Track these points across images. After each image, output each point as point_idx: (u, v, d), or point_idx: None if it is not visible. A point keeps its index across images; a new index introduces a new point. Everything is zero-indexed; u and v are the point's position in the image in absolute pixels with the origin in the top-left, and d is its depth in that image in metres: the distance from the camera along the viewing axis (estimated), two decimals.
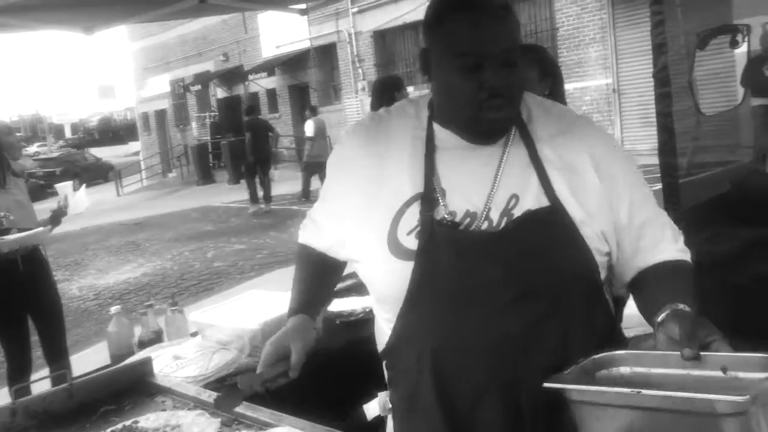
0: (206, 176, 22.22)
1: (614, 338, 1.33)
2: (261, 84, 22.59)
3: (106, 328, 2.58)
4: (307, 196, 13.99)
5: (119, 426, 1.61)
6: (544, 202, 1.25)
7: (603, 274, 1.31)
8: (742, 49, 7.85)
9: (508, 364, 1.24)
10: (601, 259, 1.28)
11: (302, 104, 22.37)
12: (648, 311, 1.24)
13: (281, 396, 1.74)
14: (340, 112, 20.48)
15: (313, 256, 1.56)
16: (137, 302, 7.46)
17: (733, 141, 9.41)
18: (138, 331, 2.60)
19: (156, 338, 2.55)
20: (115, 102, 50.52)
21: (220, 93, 25.36)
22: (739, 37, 6.83)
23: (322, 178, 8.18)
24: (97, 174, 27.84)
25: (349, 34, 19.48)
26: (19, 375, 3.95)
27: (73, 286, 9.10)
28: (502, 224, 1.24)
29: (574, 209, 1.24)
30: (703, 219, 2.77)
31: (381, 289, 1.35)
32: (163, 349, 2.39)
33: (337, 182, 1.42)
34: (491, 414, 1.25)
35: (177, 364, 2.23)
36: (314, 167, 13.53)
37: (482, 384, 1.25)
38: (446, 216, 1.26)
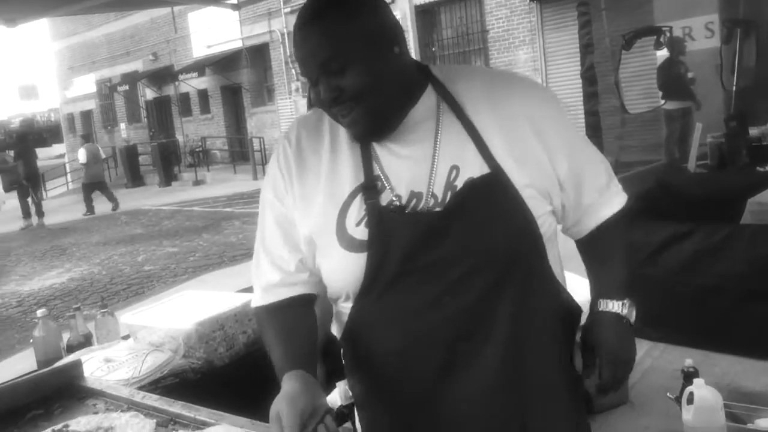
0: (136, 178, 21.67)
1: (564, 305, 1.35)
2: (192, 84, 22.18)
3: (29, 336, 2.49)
4: (92, 211, 16.17)
5: (48, 430, 1.55)
6: (485, 169, 1.23)
7: (549, 235, 1.31)
8: (664, 51, 8.17)
9: (465, 337, 1.25)
10: (545, 220, 1.28)
11: (235, 105, 22.11)
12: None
13: (217, 395, 1.72)
14: (273, 113, 20.31)
15: (275, 316, 1.37)
16: (64, 308, 7.21)
17: (656, 140, 9.79)
18: (66, 336, 2.51)
19: (85, 342, 2.48)
20: (38, 103, 48.76)
21: (149, 93, 24.78)
22: (662, 39, 7.10)
23: (103, 192, 9.90)
24: (19, 177, 26.76)
25: (282, 34, 19.33)
26: None
27: None
28: (447, 198, 1.23)
29: (514, 172, 1.23)
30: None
31: (336, 283, 1.32)
32: (93, 353, 2.32)
33: (282, 181, 1.36)
34: (455, 389, 1.26)
35: (108, 366, 2.17)
36: (92, 186, 16.36)
37: (443, 360, 1.26)
38: (393, 200, 1.25)
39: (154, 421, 1.56)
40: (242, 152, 20.90)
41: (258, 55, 20.68)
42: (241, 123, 22.15)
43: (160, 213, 14.93)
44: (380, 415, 1.37)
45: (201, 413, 1.57)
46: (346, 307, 1.33)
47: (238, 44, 20.77)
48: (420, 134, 1.27)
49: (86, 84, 27.57)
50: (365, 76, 1.20)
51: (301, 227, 1.32)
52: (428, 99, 1.29)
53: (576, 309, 1.38)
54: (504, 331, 1.25)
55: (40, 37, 34.86)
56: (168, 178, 20.71)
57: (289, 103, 19.34)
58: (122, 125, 26.08)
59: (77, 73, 27.85)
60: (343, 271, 1.28)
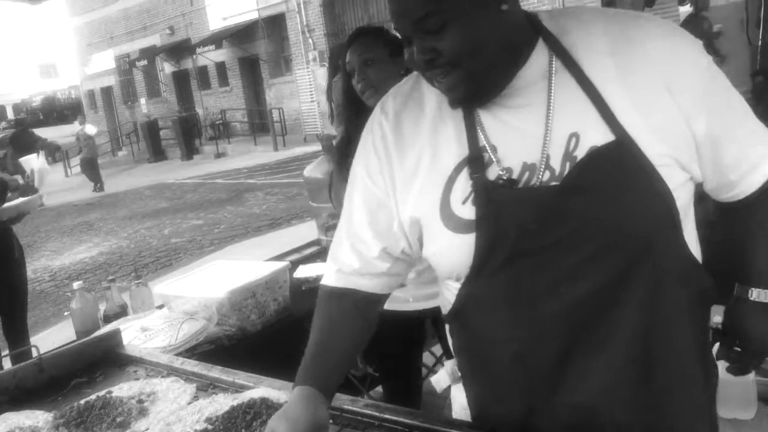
0: (158, 153, 21.83)
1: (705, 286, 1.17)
2: (210, 57, 22.17)
3: (64, 309, 2.56)
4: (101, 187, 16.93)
5: (93, 397, 1.60)
6: (609, 136, 1.06)
7: (686, 206, 1.14)
8: (687, 6, 8.00)
9: (593, 326, 1.10)
10: (682, 191, 1.11)
11: (254, 76, 22.08)
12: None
13: (252, 361, 1.76)
14: (292, 83, 20.26)
15: (335, 304, 1.28)
16: (95, 281, 7.35)
17: None
18: (102, 307, 2.58)
19: (122, 312, 2.54)
20: (58, 80, 48.94)
21: (167, 68, 24.81)
22: None
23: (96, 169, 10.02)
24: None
25: (298, 4, 19.19)
26: None
27: (27, 268, 8.92)
28: (566, 170, 1.07)
29: (644, 138, 1.06)
30: None
31: (443, 267, 1.20)
32: (129, 323, 2.38)
33: (377, 160, 1.24)
34: (573, 385, 1.13)
35: (145, 335, 2.22)
36: (93, 162, 17.50)
37: (559, 353, 1.13)
38: (501, 174, 1.10)
39: (194, 385, 1.60)
40: (262, 124, 20.93)
41: (274, 25, 20.58)
42: (259, 94, 22.15)
43: (184, 186, 15.05)
44: (492, 402, 1.26)
45: (239, 377, 1.61)
46: (454, 286, 1.21)
47: (254, 15, 20.66)
48: (531, 98, 1.11)
49: (105, 60, 27.66)
50: (466, 37, 1.06)
51: (402, 211, 1.21)
52: (539, 56, 1.12)
53: (711, 288, 1.18)
54: (632, 321, 1.09)
55: (58, 15, 34.87)
56: (189, 151, 20.83)
57: (307, 72, 19.26)
58: (142, 100, 26.19)
59: (96, 49, 27.92)
60: (450, 255, 1.16)
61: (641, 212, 1.06)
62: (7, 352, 3.51)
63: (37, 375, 1.75)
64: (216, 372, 1.66)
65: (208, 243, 8.84)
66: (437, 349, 2.71)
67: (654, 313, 1.10)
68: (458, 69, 1.08)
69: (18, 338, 3.97)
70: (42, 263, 9.22)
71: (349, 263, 1.26)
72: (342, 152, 2.24)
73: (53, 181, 16.59)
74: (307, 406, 1.15)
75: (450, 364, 1.47)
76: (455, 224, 1.13)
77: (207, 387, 1.61)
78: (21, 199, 3.97)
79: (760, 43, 6.09)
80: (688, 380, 1.16)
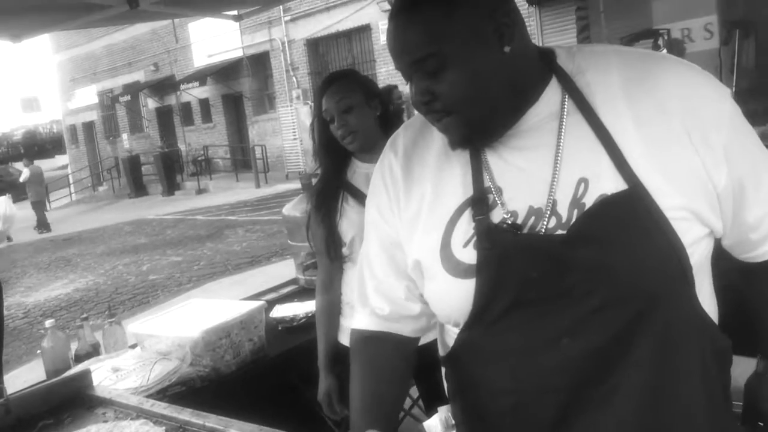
0: (139, 189, 21.75)
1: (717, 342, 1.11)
2: (193, 94, 22.26)
3: (37, 347, 2.52)
4: (46, 227, 16.88)
5: None
6: (622, 184, 1.00)
7: (701, 263, 1.07)
8: (662, 53, 8.19)
9: (595, 381, 1.04)
10: (699, 246, 1.04)
11: (237, 113, 22.17)
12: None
13: (224, 403, 1.74)
14: (275, 120, 20.36)
15: (378, 346, 1.25)
16: (70, 318, 7.26)
17: None
18: (74, 346, 2.54)
19: (93, 352, 2.50)
20: (40, 115, 48.90)
21: (151, 104, 24.86)
22: (660, 41, 7.13)
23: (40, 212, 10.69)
24: (23, 189, 26.90)
25: (282, 43, 19.39)
26: None
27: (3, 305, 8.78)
28: (573, 218, 1.02)
29: (659, 188, 1.00)
30: None
31: (441, 311, 1.17)
32: (101, 362, 2.34)
33: (387, 199, 1.21)
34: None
35: (116, 376, 2.19)
36: (38, 205, 17.58)
37: (559, 409, 1.07)
38: (506, 218, 1.06)
39: (164, 428, 1.57)
40: (244, 160, 20.96)
41: (259, 63, 20.75)
42: (242, 131, 22.21)
43: (164, 222, 14.97)
44: None
45: (210, 420, 1.58)
46: (453, 330, 1.17)
47: (239, 53, 20.84)
48: (540, 139, 1.06)
49: (88, 95, 27.66)
50: (463, 83, 1.02)
51: (408, 251, 1.17)
52: (552, 95, 1.07)
53: (727, 349, 1.12)
54: (639, 378, 1.03)
55: (41, 50, 35.02)
56: (171, 187, 20.78)
57: (291, 110, 19.39)
58: (124, 136, 26.16)
59: (79, 84, 27.95)
60: (448, 300, 1.12)
61: (650, 266, 1.00)
62: None
63: (3, 416, 1.70)
64: (186, 415, 1.63)
65: (186, 280, 8.76)
66: (413, 391, 2.69)
67: (662, 371, 1.04)
68: (453, 115, 1.06)
69: None
70: (16, 299, 9.07)
71: (380, 307, 1.23)
72: (319, 194, 2.24)
73: (32, 216, 16.47)
74: None
75: (444, 411, 1.42)
76: (455, 268, 1.09)
77: (176, 430, 1.57)
78: None
79: (734, 89, 6.25)
80: None
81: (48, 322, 2.52)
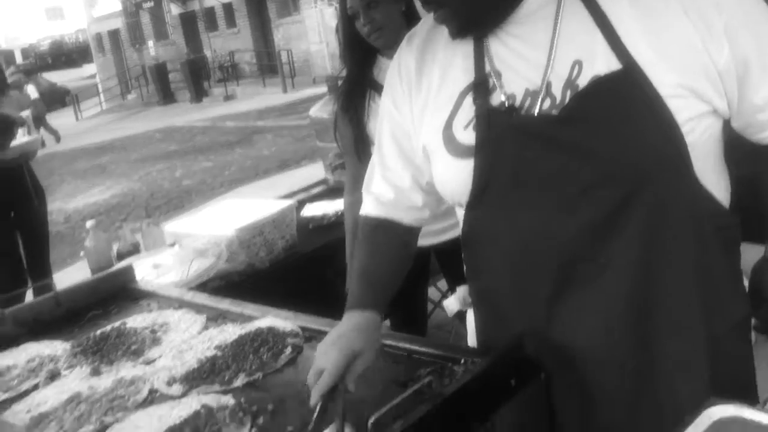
0: (167, 96, 21.75)
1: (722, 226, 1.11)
2: None
3: (79, 249, 2.63)
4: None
5: (108, 328, 1.68)
6: (616, 64, 1.01)
7: (703, 140, 1.06)
8: None
9: (583, 259, 1.08)
10: (697, 124, 1.04)
11: (261, 17, 21.77)
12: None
13: (261, 296, 1.82)
14: (300, 23, 19.95)
15: (379, 232, 1.30)
16: (109, 223, 7.48)
17: None
18: (115, 245, 2.65)
19: (134, 250, 2.61)
20: (65, 24, 48.47)
21: (174, 9, 24.48)
22: None
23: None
24: (53, 99, 27.01)
25: None
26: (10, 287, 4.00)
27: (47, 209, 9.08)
28: (567, 99, 1.04)
29: (654, 67, 1.00)
30: None
31: (446, 193, 1.21)
32: (141, 260, 2.45)
33: (401, 88, 1.25)
34: (569, 317, 1.12)
35: (157, 272, 2.29)
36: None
37: (555, 283, 1.11)
38: (504, 100, 1.09)
39: (204, 316, 1.67)
40: (270, 65, 20.73)
41: None
42: (268, 36, 21.86)
43: (194, 129, 15.05)
44: (494, 328, 1.27)
45: (247, 308, 1.67)
46: (461, 212, 1.22)
47: None
48: (537, 23, 1.08)
49: (112, 2, 27.30)
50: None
51: (417, 139, 1.22)
52: None
53: (732, 227, 1.13)
54: (631, 254, 1.06)
55: None
56: (199, 94, 20.74)
57: (315, 12, 18.94)
58: (150, 43, 25.97)
59: None
60: (450, 181, 1.16)
61: (639, 144, 1.02)
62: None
63: (54, 308, 1.82)
64: (225, 304, 1.72)
65: (218, 185, 8.91)
66: (443, 284, 2.77)
67: (653, 248, 1.06)
68: (445, 7, 1.10)
69: (42, 276, 4.08)
70: (56, 206, 9.32)
71: (384, 193, 1.29)
72: (346, 95, 2.24)
73: (65, 124, 16.65)
74: (362, 328, 1.17)
75: (462, 290, 1.47)
76: (456, 149, 1.13)
77: (217, 318, 1.67)
78: (23, 140, 4.04)
79: None
80: (687, 321, 1.09)
81: (89, 223, 2.61)
